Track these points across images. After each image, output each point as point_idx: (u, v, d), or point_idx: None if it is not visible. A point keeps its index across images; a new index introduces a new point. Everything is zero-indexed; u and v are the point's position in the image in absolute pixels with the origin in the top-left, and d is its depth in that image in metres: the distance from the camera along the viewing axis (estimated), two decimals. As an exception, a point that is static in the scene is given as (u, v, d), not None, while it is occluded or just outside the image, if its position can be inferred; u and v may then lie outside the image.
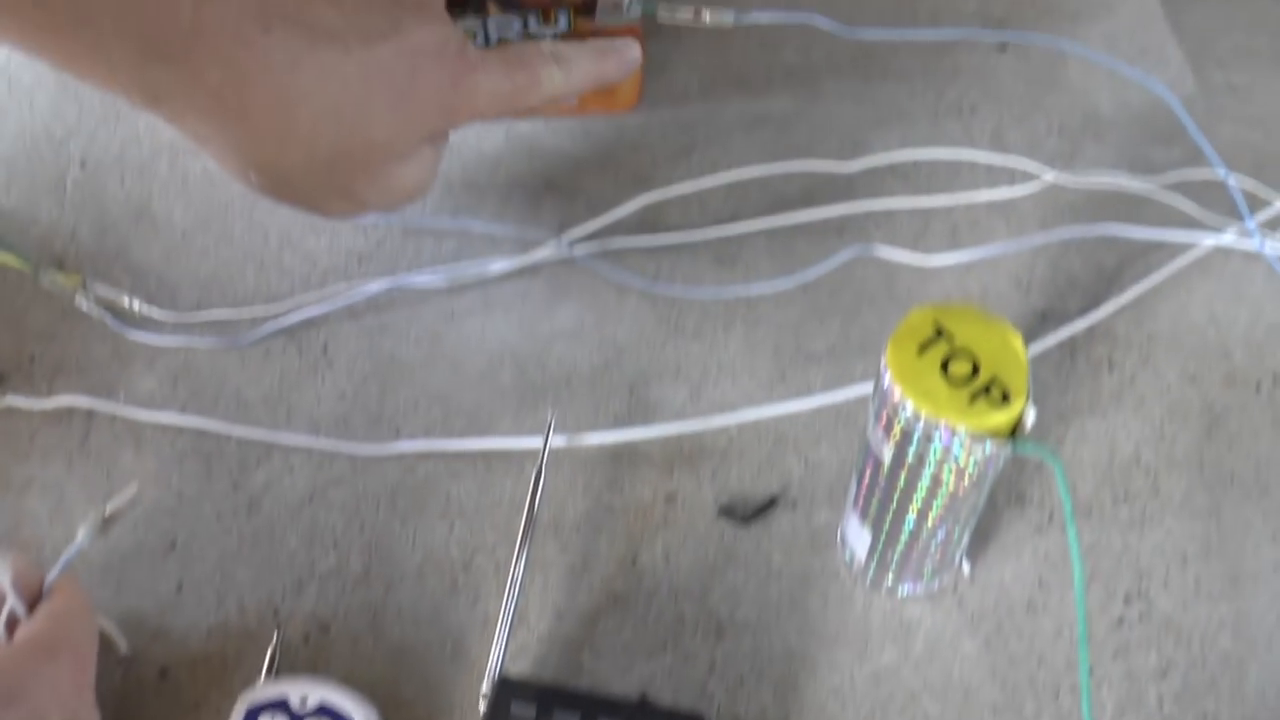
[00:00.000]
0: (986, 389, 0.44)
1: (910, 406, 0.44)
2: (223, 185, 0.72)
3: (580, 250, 0.67)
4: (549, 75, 0.54)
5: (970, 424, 0.43)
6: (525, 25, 0.69)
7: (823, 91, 0.76)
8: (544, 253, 0.67)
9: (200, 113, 0.47)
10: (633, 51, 0.58)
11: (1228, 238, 0.66)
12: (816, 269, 0.65)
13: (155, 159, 0.74)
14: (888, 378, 0.45)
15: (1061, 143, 0.72)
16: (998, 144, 0.72)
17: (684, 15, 0.68)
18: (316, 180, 0.50)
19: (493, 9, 0.68)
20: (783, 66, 0.78)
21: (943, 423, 0.44)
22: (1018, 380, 0.44)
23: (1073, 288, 0.65)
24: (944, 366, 0.45)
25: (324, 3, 0.48)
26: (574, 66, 0.55)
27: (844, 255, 0.65)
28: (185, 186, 0.72)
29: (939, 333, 0.45)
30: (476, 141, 0.74)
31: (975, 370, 0.44)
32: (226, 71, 0.45)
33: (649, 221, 0.69)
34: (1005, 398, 0.44)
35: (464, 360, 0.64)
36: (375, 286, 0.66)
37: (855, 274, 0.66)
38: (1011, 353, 0.45)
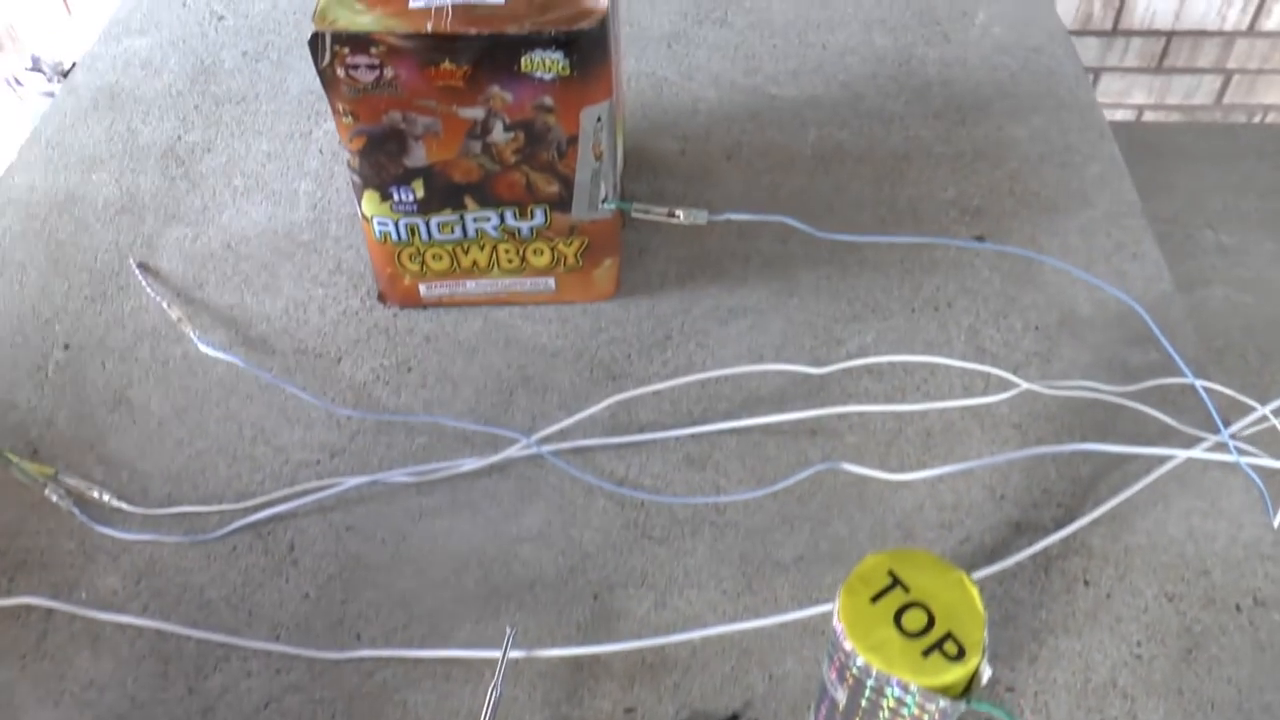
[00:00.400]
0: (941, 643, 0.43)
1: (862, 659, 0.43)
2: (202, 372, 0.72)
3: (550, 448, 0.67)
4: None
5: (923, 680, 0.42)
6: (502, 220, 0.70)
7: (799, 283, 0.76)
8: (514, 451, 0.67)
9: None
10: None
11: (1204, 450, 0.65)
12: (786, 480, 0.65)
13: (138, 343, 0.75)
14: (840, 628, 0.44)
15: (1038, 342, 0.72)
16: (974, 341, 0.73)
17: (658, 213, 0.69)
18: None
19: (470, 204, 0.69)
20: (760, 256, 0.78)
21: (894, 678, 0.43)
22: (974, 635, 0.43)
23: (1048, 499, 0.65)
24: (898, 617, 0.44)
25: None
26: None
27: (815, 468, 0.65)
28: (165, 372, 0.73)
29: (894, 581, 0.45)
30: (454, 329, 0.74)
31: (930, 622, 0.44)
32: None
33: (620, 420, 0.69)
34: (960, 654, 0.43)
35: (429, 562, 0.63)
36: (346, 483, 0.66)
37: (826, 481, 0.66)
38: (968, 604, 0.44)
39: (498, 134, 0.66)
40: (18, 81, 2.31)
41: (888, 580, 0.45)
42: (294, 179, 0.86)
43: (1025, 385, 0.67)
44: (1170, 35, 1.94)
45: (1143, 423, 0.68)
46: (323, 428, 0.69)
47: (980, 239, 0.80)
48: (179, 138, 0.91)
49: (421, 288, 0.75)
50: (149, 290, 0.77)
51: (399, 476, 0.66)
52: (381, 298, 0.76)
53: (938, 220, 0.81)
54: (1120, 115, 1.93)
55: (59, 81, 2.00)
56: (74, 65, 1.01)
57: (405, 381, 0.72)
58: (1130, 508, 0.64)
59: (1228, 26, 1.87)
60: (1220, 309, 0.66)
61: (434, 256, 0.72)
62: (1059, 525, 0.63)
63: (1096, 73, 1.88)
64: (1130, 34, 2.00)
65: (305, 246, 0.81)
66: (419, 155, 0.67)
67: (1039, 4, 1.03)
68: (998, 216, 0.82)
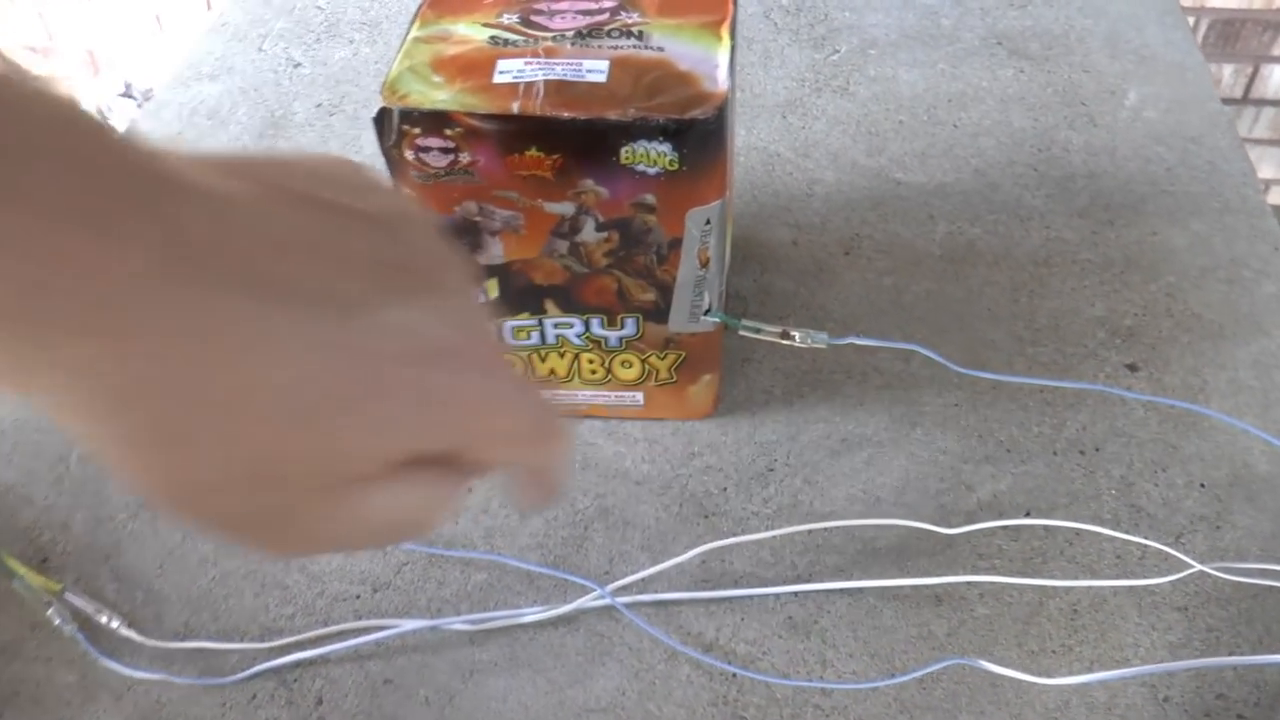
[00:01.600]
0: None
1: None
2: (237, 476, 0.64)
3: (626, 600, 0.57)
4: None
5: None
6: (587, 328, 0.61)
7: (924, 411, 0.66)
8: (586, 600, 0.57)
9: (99, 394, 0.29)
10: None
11: None
12: (906, 676, 0.54)
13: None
14: None
15: (1205, 503, 0.61)
16: (1126, 496, 0.62)
17: (771, 333, 0.60)
18: (247, 498, 0.32)
19: (551, 308, 0.60)
20: (879, 375, 0.68)
21: None
22: None
23: (1224, 708, 0.53)
24: None
25: (301, 257, 0.31)
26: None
27: (943, 663, 0.54)
28: (197, 472, 0.64)
29: None
30: (525, 444, 0.65)
31: None
32: (155, 339, 0.29)
33: (712, 568, 0.59)
34: None
35: (478, 734, 0.54)
36: (389, 628, 0.57)
37: (954, 668, 0.55)
38: None
39: (588, 233, 0.57)
40: (109, 109, 2.28)
41: None
42: (360, 252, 0.78)
43: (1197, 566, 0.56)
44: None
45: (1342, 619, 0.56)
46: (366, 555, 0.60)
47: (1133, 368, 0.69)
48: (241, 196, 0.83)
49: (491, 394, 0.65)
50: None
51: (453, 624, 0.57)
52: (445, 400, 0.67)
53: (1083, 343, 0.70)
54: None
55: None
56: (141, 108, 0.94)
57: (465, 504, 0.62)
58: (1328, 730, 0.52)
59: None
60: None
61: (507, 362, 0.63)
62: (1238, 746, 0.52)
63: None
64: (1262, 103, 1.87)
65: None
66: (496, 252, 0.58)
67: (1197, 83, 0.92)
68: (1153, 342, 0.70)
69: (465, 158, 0.54)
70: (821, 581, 0.58)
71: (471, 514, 0.62)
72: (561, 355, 0.63)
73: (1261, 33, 1.77)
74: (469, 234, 0.57)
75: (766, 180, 0.83)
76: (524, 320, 0.61)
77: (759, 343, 0.65)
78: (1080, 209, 0.80)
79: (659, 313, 0.60)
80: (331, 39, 1.00)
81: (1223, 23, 1.75)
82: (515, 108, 0.53)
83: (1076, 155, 0.85)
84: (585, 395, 0.65)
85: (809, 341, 0.59)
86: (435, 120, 0.53)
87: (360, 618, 0.58)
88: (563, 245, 0.57)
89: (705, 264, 0.58)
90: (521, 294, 0.60)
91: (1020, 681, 0.54)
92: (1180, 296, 0.73)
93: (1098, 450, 0.64)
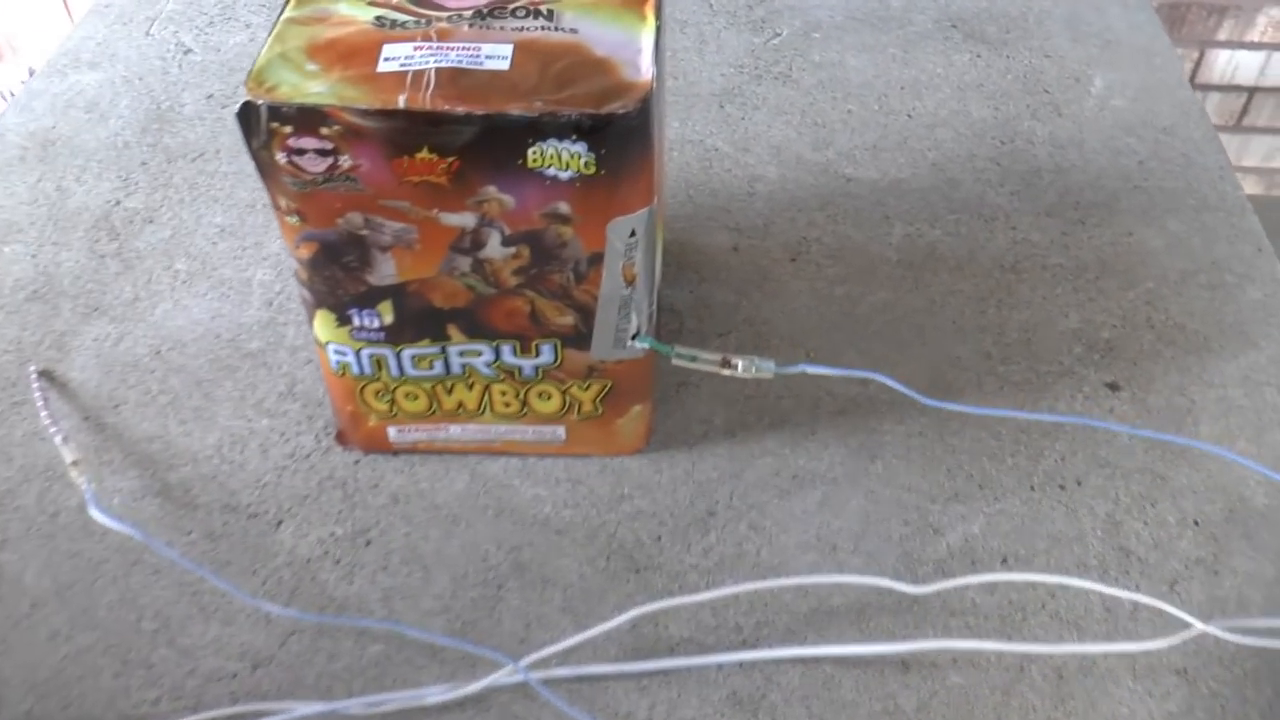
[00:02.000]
0: None
1: None
2: (99, 534, 0.55)
3: (542, 675, 0.49)
4: None
5: None
6: (497, 356, 0.53)
7: (884, 443, 0.59)
8: (498, 677, 0.49)
9: None
10: None
11: None
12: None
13: (24, 485, 0.58)
14: None
15: (1200, 543, 0.54)
16: (1114, 538, 0.55)
17: (708, 362, 0.52)
18: None
19: (455, 334, 0.52)
20: (832, 401, 0.61)
21: None
22: None
23: (1232, 790, 0.46)
24: None
25: None
26: None
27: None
28: (52, 529, 0.56)
29: None
30: (430, 487, 0.57)
31: None
32: None
33: (644, 634, 0.51)
34: None
35: (370, 845, 0.45)
36: (270, 716, 0.48)
37: (924, 748, 0.48)
38: None
39: (493, 249, 0.48)
40: (13, 95, 2.16)
41: None
42: (249, 264, 0.69)
43: (1198, 627, 0.49)
44: (1253, 91, 1.77)
45: (1360, 680, 0.49)
46: (247, 623, 0.52)
47: (1114, 387, 0.62)
48: (117, 203, 0.74)
49: (391, 431, 0.57)
50: (44, 415, 0.59)
51: (347, 707, 0.48)
52: (341, 438, 0.59)
53: (1058, 359, 0.63)
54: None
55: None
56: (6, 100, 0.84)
57: (362, 561, 0.54)
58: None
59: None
60: None
61: (407, 396, 0.55)
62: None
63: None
64: (1208, 88, 1.83)
65: (253, 359, 0.63)
66: (387, 271, 0.49)
67: (1166, 69, 0.85)
68: (1134, 357, 0.63)
69: (346, 161, 0.46)
70: (770, 648, 0.50)
71: (368, 571, 0.53)
72: (470, 387, 0.54)
73: (1207, 17, 1.72)
74: (355, 250, 0.49)
75: (703, 178, 0.75)
76: (425, 348, 0.53)
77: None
78: (1048, 207, 0.73)
79: (579, 338, 0.52)
80: (226, 22, 0.90)
81: (1169, 6, 1.69)
82: (402, 101, 0.44)
83: (1042, 148, 0.78)
84: (499, 430, 0.57)
85: (753, 371, 0.51)
86: (309, 117, 0.45)
87: (237, 701, 0.50)
88: (464, 263, 0.49)
89: (631, 281, 0.50)
90: (420, 318, 0.51)
91: (1002, 767, 0.46)
92: (1160, 305, 0.67)
93: (1079, 484, 0.57)
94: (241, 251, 0.70)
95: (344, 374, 0.54)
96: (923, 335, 0.64)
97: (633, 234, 0.48)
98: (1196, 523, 0.55)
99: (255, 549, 0.55)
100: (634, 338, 0.52)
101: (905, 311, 0.66)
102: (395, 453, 0.58)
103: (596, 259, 0.49)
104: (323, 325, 0.52)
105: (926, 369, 0.62)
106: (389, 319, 0.51)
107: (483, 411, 0.56)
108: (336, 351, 0.53)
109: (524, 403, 0.55)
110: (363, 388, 0.55)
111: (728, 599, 0.52)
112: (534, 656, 0.50)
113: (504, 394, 0.55)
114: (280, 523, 0.56)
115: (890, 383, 0.51)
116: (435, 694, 0.49)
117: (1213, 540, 0.55)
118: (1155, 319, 0.66)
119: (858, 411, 0.60)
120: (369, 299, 0.51)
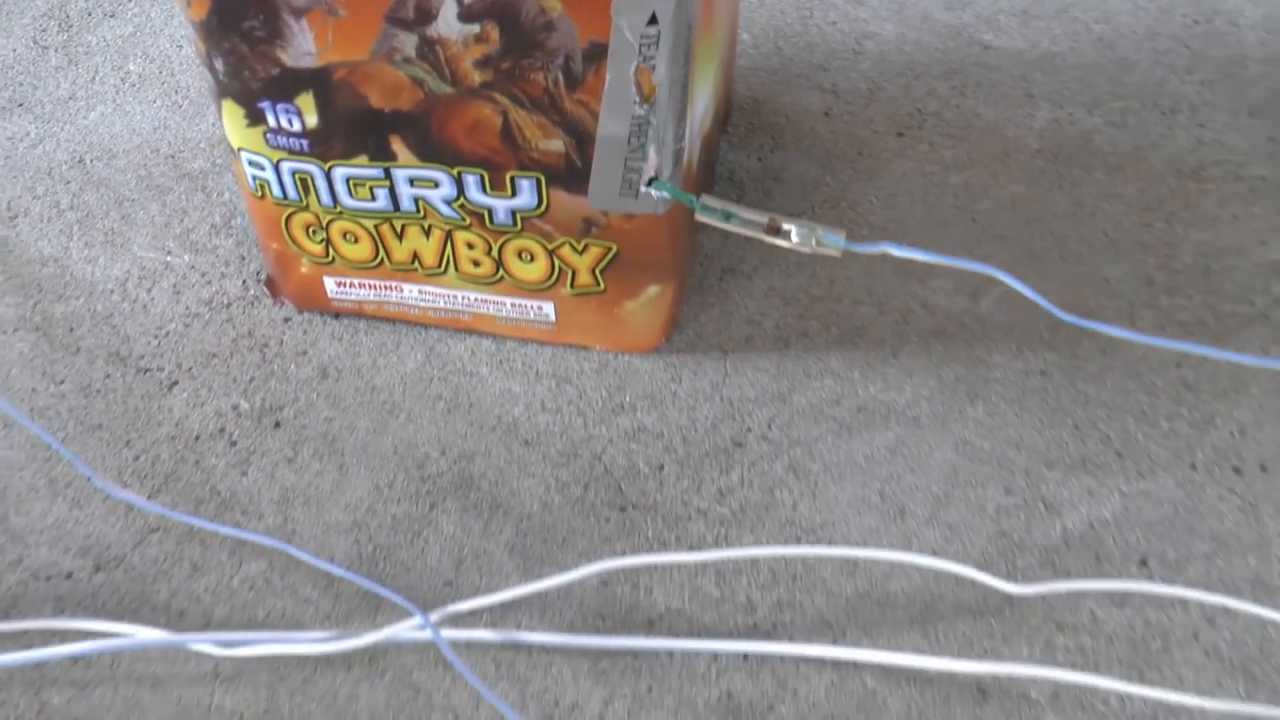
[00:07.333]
0: None
1: None
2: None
3: (463, 636, 0.35)
4: None
5: None
6: (460, 189, 0.38)
7: (992, 379, 0.43)
8: (399, 628, 0.35)
9: None
10: None
11: None
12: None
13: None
14: None
15: None
16: (1307, 549, 0.38)
17: (749, 222, 0.36)
18: None
19: (401, 151, 0.37)
20: (929, 317, 0.45)
21: None
22: None
23: None
24: None
25: None
26: None
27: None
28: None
29: None
30: (370, 363, 0.43)
31: None
32: None
33: (616, 599, 0.36)
34: None
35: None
36: (96, 640, 0.35)
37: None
38: None
39: (447, 23, 0.33)
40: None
41: None
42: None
43: None
44: None
45: None
46: (101, 510, 0.39)
47: (1321, 341, 0.45)
48: (82, -12, 0.61)
49: (329, 283, 0.43)
50: (-89, 215, 0.47)
51: (196, 641, 0.35)
52: (270, 286, 0.45)
53: (1248, 298, 0.47)
54: None
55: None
56: None
57: (263, 447, 0.41)
58: None
59: None
60: None
61: (345, 236, 0.41)
62: None
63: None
64: None
65: (191, 181, 0.50)
66: (304, 47, 0.35)
67: None
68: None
69: None
70: (792, 640, 0.35)
71: (269, 462, 0.40)
72: (427, 233, 0.40)
73: None
74: (262, 15, 0.34)
75: (799, 28, 0.59)
76: (363, 167, 0.38)
77: (747, 245, 0.42)
78: (1252, 105, 0.56)
79: (572, 174, 0.37)
80: None
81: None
82: None
83: (1250, 32, 0.60)
84: (468, 298, 0.42)
85: (813, 243, 0.35)
86: None
87: (63, 610, 0.37)
88: (408, 42, 0.34)
89: (649, 98, 0.34)
90: (354, 123, 0.37)
91: None
92: (1393, 242, 0.49)
93: (1264, 470, 0.41)
94: (212, 55, 0.56)
95: (263, 195, 0.40)
96: (1063, 246, 0.48)
97: (653, 22, 0.33)
98: None
99: (135, 414, 0.42)
100: (650, 183, 0.36)
101: (1042, 213, 0.49)
102: (336, 314, 0.44)
103: (597, 54, 0.33)
104: (232, 123, 0.38)
105: (1063, 289, 0.46)
106: (312, 120, 0.37)
107: (444, 269, 0.41)
108: (251, 163, 0.39)
109: (498, 262, 0.40)
110: (288, 217, 0.41)
111: (742, 563, 0.37)
112: (455, 607, 0.35)
113: (471, 247, 0.40)
114: (175, 384, 0.42)
115: (1017, 285, 0.35)
116: (314, 641, 0.35)
117: None
118: (1386, 260, 0.48)
119: (961, 334, 0.44)
120: (284, 87, 0.36)
